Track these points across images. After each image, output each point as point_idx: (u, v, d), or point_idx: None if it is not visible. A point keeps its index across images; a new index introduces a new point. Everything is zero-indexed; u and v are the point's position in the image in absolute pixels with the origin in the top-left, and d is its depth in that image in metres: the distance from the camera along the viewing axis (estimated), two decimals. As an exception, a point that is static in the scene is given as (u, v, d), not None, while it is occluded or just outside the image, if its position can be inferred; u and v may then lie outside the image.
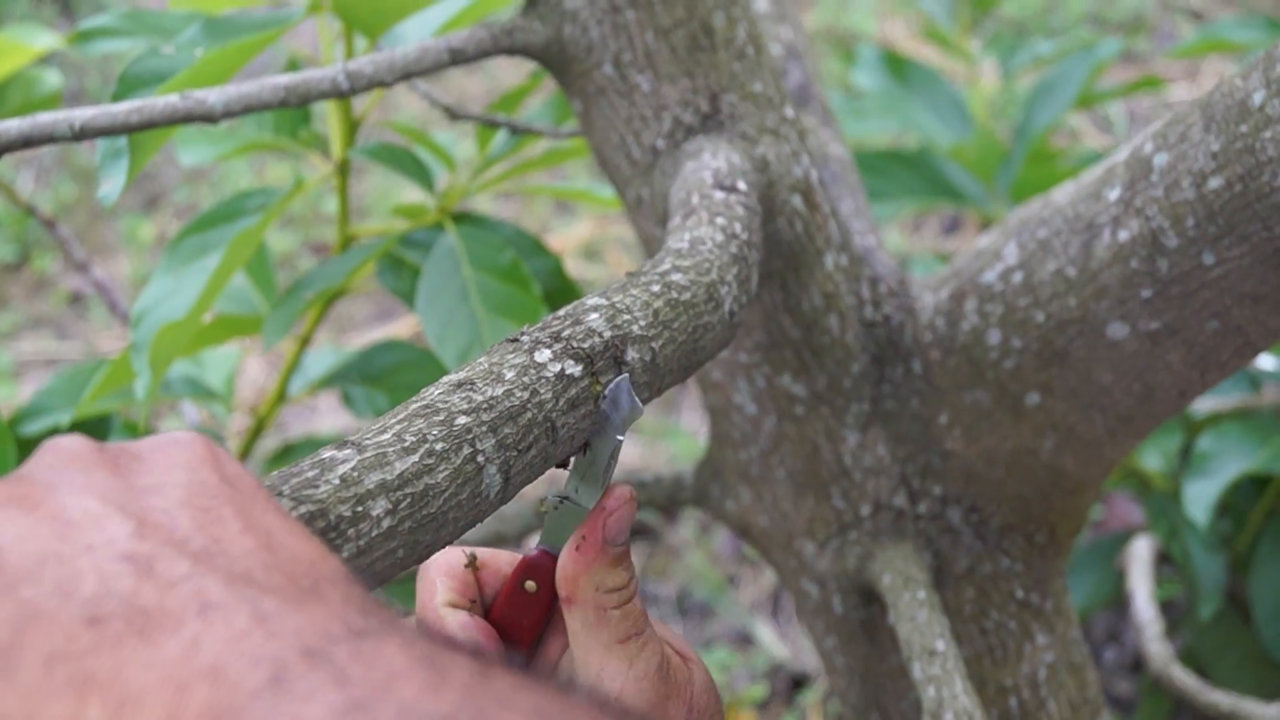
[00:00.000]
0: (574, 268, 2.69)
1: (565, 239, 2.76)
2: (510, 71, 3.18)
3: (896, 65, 1.94)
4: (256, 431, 1.25)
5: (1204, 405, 1.53)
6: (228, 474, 0.48)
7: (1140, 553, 1.59)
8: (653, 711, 0.66)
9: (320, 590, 0.44)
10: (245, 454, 1.25)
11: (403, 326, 2.59)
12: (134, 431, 1.24)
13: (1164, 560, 1.75)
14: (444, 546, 0.59)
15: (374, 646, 0.41)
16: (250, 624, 0.41)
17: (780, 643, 2.05)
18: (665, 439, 2.40)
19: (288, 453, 1.36)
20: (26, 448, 1.16)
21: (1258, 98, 0.80)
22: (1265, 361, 1.51)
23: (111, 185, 0.85)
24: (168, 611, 0.41)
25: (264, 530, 0.46)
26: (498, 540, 1.20)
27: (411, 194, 2.69)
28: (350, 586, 0.45)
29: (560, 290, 1.12)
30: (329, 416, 2.47)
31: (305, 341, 1.19)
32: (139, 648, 0.41)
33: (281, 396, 1.23)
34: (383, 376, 1.24)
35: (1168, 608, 1.81)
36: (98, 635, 0.41)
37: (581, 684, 0.66)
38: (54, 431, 1.17)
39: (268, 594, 0.42)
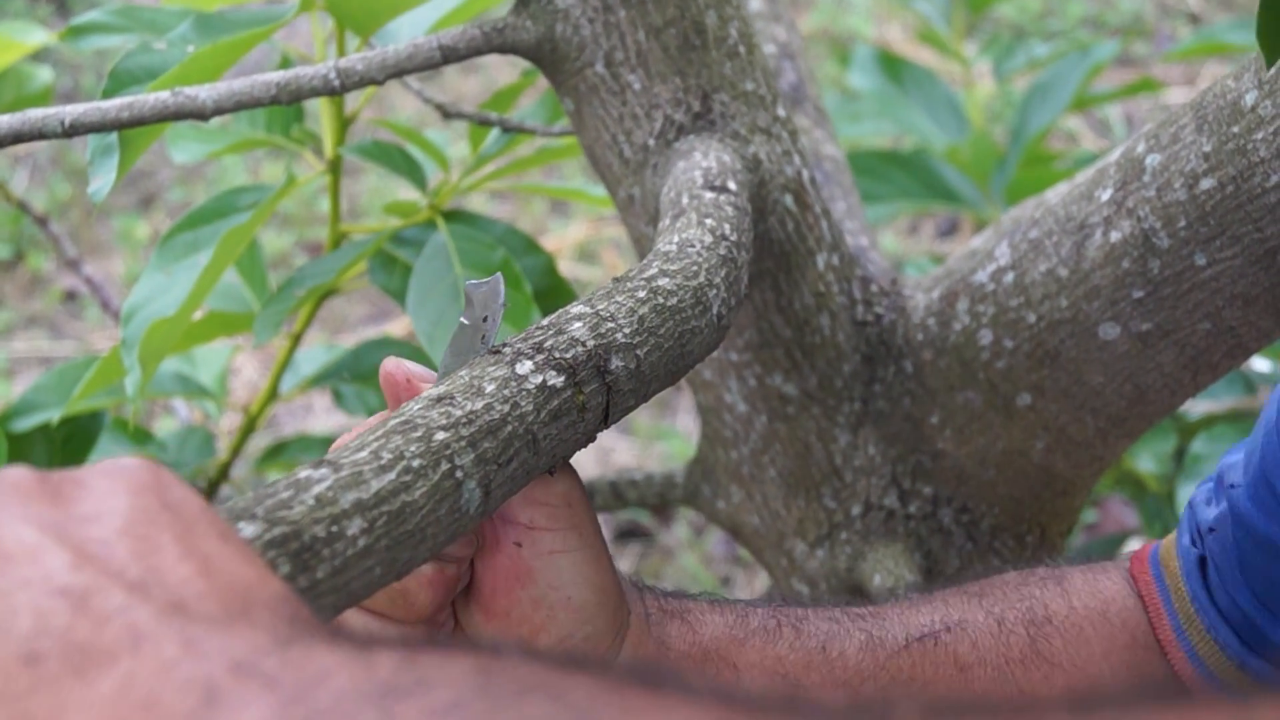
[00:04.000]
0: (569, 269, 2.69)
1: (560, 240, 2.76)
2: (505, 71, 3.18)
3: (892, 67, 1.93)
4: (248, 429, 1.25)
5: (1198, 407, 1.53)
6: (170, 499, 0.48)
7: (1133, 555, 1.59)
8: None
9: (250, 612, 0.44)
10: (237, 451, 1.25)
11: (397, 327, 2.58)
12: (124, 428, 1.24)
13: (1157, 563, 1.74)
14: (423, 562, 0.58)
15: (301, 652, 0.41)
16: (179, 652, 0.41)
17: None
18: (660, 440, 2.39)
19: (279, 450, 1.36)
20: (17, 444, 1.16)
21: (1250, 99, 0.79)
22: (1259, 363, 1.51)
23: (101, 182, 0.85)
24: (102, 648, 0.41)
25: (202, 556, 0.46)
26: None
27: (405, 195, 2.69)
28: (284, 605, 0.45)
29: (552, 289, 1.11)
30: (321, 415, 2.46)
31: (297, 339, 1.19)
32: (75, 687, 0.40)
33: (273, 394, 1.23)
34: (374, 374, 1.24)
35: (1161, 610, 1.80)
36: (35, 675, 0.41)
37: (511, 641, 0.66)
38: (45, 428, 1.17)
39: (197, 621, 0.42)
